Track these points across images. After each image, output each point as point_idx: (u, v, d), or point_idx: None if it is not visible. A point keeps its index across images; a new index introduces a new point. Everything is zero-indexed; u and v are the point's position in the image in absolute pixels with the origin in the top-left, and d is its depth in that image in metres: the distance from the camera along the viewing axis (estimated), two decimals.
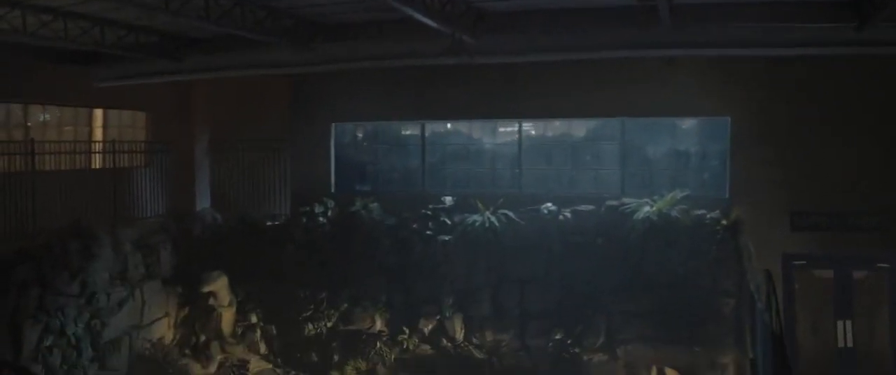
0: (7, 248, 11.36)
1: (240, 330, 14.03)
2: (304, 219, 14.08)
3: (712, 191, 13.15)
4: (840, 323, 12.51)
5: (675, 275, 12.24)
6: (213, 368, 13.40)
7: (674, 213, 12.39)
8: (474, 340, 13.00)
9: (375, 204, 13.84)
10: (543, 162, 14.48)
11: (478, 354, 12.79)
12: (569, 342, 12.46)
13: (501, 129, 14.85)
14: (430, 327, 13.23)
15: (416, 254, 13.41)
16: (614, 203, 12.86)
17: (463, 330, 13.10)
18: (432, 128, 15.20)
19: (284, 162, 15.52)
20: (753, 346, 10.99)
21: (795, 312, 12.80)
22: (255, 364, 13.49)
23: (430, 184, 14.87)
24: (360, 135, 15.95)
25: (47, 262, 11.45)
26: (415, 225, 13.56)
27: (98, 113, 15.79)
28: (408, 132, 15.44)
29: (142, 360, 12.90)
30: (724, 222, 12.33)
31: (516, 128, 14.61)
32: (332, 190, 15.01)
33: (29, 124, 14.28)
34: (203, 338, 13.78)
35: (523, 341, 12.85)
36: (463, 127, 15.16)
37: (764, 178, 12.64)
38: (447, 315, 13.11)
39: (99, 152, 14.85)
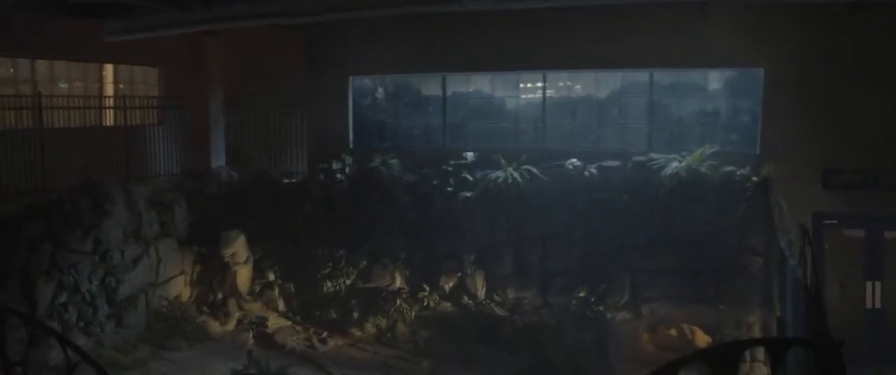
0: (16, 205, 11.22)
1: (257, 288, 14.05)
2: (322, 176, 13.86)
3: (743, 147, 12.77)
4: (869, 284, 12.24)
5: (702, 233, 11.99)
6: (231, 325, 13.44)
7: (703, 169, 12.07)
8: (496, 297, 12.90)
9: (395, 160, 13.58)
10: (568, 116, 14.12)
11: (499, 312, 12.68)
12: (592, 300, 12.32)
13: (525, 85, 14.47)
14: (450, 284, 13.15)
15: (437, 211, 13.21)
16: (641, 158, 12.53)
17: (484, 288, 13.01)
18: (454, 87, 14.80)
19: (301, 118, 15.23)
20: (781, 305, 10.76)
21: (824, 272, 12.53)
22: (274, 321, 13.49)
23: (451, 139, 14.54)
24: (379, 95, 15.58)
25: (58, 219, 11.38)
26: (435, 182, 13.32)
27: (109, 69, 15.54)
28: (429, 93, 15.04)
29: (159, 317, 12.96)
30: (754, 179, 12.02)
31: (540, 83, 14.23)
32: (351, 146, 14.69)
33: (36, 79, 14.02)
34: (220, 296, 13.81)
35: (546, 299, 12.74)
36: (485, 84, 14.76)
37: (797, 134, 12.22)
38: (468, 272, 13.01)
39: (110, 108, 14.62)
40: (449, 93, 14.78)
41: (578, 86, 14.37)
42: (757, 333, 11.91)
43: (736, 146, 12.82)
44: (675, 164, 12.15)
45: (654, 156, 12.49)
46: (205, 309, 13.74)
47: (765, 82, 12.57)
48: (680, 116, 13.46)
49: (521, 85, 14.53)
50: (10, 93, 12.83)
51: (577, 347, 11.85)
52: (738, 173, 12.17)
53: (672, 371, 2.53)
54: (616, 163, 12.68)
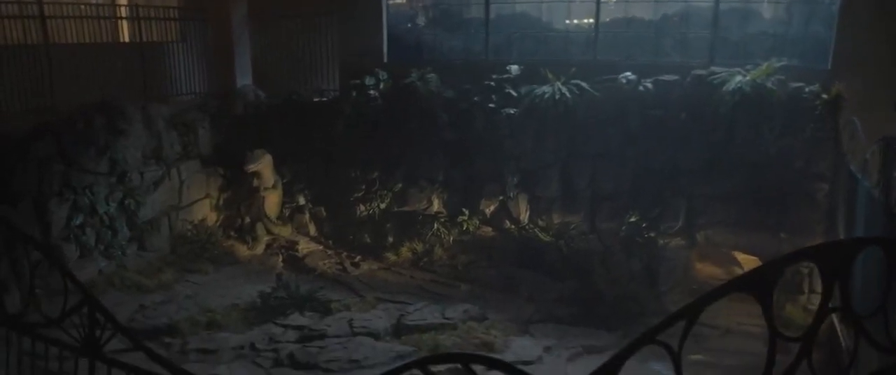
0: (24, 123, 10.69)
1: (287, 212, 13.64)
2: (354, 93, 13.17)
3: (814, 62, 11.86)
4: None
5: (764, 155, 11.33)
6: (259, 249, 13.11)
7: (769, 85, 11.23)
8: (540, 222, 12.39)
9: (433, 75, 12.79)
10: (623, 25, 13.21)
11: (543, 237, 12.16)
12: (643, 225, 11.80)
13: None
14: (491, 208, 12.66)
15: (478, 129, 12.57)
16: (702, 72, 11.69)
17: (528, 212, 12.51)
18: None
19: (331, 32, 14.42)
20: (848, 234, 10.06)
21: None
22: (304, 245, 13.14)
23: (493, 51, 13.68)
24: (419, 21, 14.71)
25: (70, 138, 10.94)
26: (476, 98, 12.60)
27: None
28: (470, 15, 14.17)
29: (183, 241, 12.69)
30: (824, 96, 11.16)
31: None
32: (385, 60, 13.91)
33: None
34: (248, 220, 13.41)
35: (593, 223, 12.24)
36: None
37: (874, 49, 11.29)
38: (511, 195, 12.48)
39: (124, 18, 13.91)
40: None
41: None
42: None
43: (806, 60, 11.92)
44: (738, 79, 11.31)
45: (716, 69, 11.65)
46: (232, 233, 13.48)
47: None
48: (746, 26, 12.54)
49: None
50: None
51: (625, 275, 11.38)
52: (807, 90, 11.33)
53: (723, 294, 2.27)
54: (674, 77, 11.86)
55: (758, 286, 2.31)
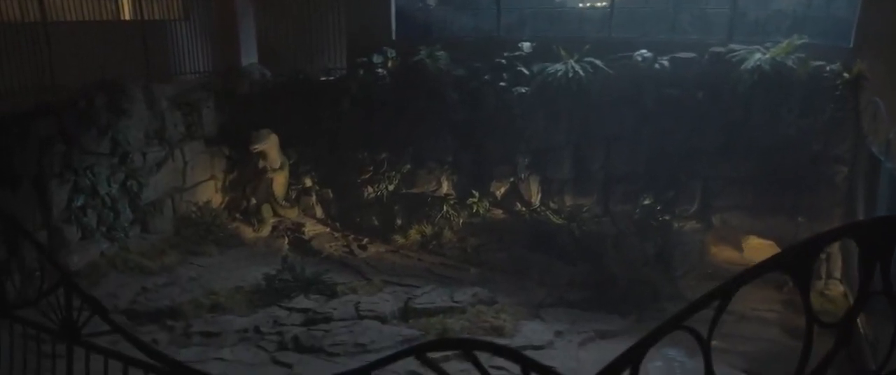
0: (24, 102, 10.53)
1: (294, 194, 13.48)
2: (361, 72, 12.93)
3: (835, 40, 11.51)
4: None
5: (782, 136, 11.10)
6: (265, 232, 12.96)
7: (789, 63, 10.91)
8: (552, 204, 12.19)
9: (442, 53, 12.51)
10: (640, 0, 12.88)
11: (555, 220, 11.96)
12: (658, 208, 11.61)
13: None
14: (502, 190, 12.46)
15: (489, 109, 12.31)
16: (720, 50, 11.41)
17: (539, 194, 12.30)
18: None
19: (338, 8, 14.16)
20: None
21: None
22: (311, 227, 13.00)
23: (505, 28, 13.39)
24: None
25: (71, 118, 10.77)
26: (487, 76, 12.33)
27: None
28: None
29: (188, 223, 12.55)
30: (845, 75, 10.83)
31: None
32: (393, 37, 13.64)
33: None
34: (254, 202, 13.27)
35: (607, 206, 12.05)
36: None
37: None
38: (522, 176, 12.27)
39: None
40: None
41: None
42: (836, 250, 11.07)
43: (828, 38, 11.58)
44: (758, 57, 11.02)
45: (734, 47, 11.36)
46: (237, 214, 13.33)
47: None
48: (766, 2, 12.27)
49: None
50: None
51: (638, 258, 11.24)
52: (828, 69, 11.02)
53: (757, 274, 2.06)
54: (691, 54, 11.59)
55: (795, 265, 2.08)
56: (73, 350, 2.80)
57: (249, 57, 14.67)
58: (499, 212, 12.41)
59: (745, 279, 2.00)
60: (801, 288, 2.10)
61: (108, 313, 2.77)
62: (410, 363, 8.64)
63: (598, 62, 11.63)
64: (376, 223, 12.73)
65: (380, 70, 12.85)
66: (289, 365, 8.51)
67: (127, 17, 13.72)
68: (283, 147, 13.34)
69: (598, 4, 13.46)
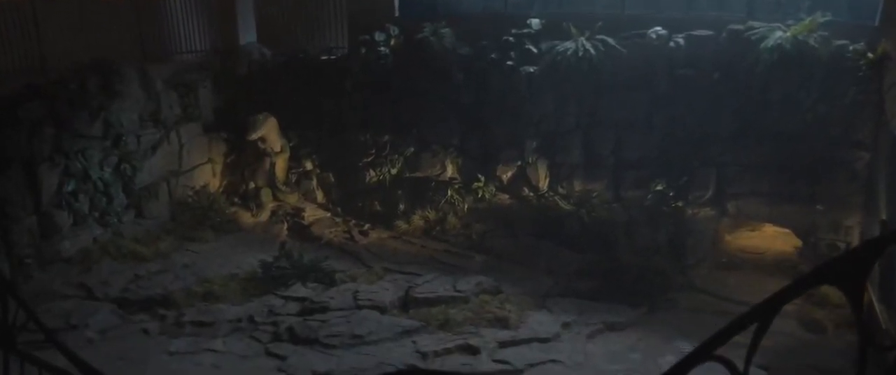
0: (12, 85, 10.26)
1: (294, 178, 13.19)
2: (364, 50, 12.58)
3: (860, 17, 11.04)
4: None
5: (801, 121, 10.71)
6: (264, 217, 12.73)
7: (811, 42, 10.47)
8: (560, 190, 11.87)
9: (447, 30, 12.14)
10: None
11: (564, 206, 11.63)
12: (671, 194, 11.24)
13: None
14: (509, 174, 12.16)
15: (495, 90, 11.97)
16: (739, 27, 10.96)
17: (547, 179, 11.99)
18: None
19: None
20: (889, 208, 9.40)
21: None
22: (311, 212, 12.74)
23: (513, 3, 12.94)
24: None
25: (62, 100, 10.52)
26: (494, 55, 11.94)
27: None
28: None
29: (184, 208, 12.30)
30: (869, 55, 10.38)
31: None
32: (397, 14, 13.25)
33: None
34: (253, 186, 13.00)
35: (617, 192, 11.73)
36: None
37: None
38: (530, 161, 11.96)
39: None
40: None
41: None
42: (855, 238, 10.72)
43: (853, 15, 11.11)
44: (778, 34, 10.58)
45: (754, 24, 10.90)
46: (235, 199, 13.06)
47: None
48: None
49: None
50: None
51: (649, 246, 10.89)
52: (851, 48, 10.57)
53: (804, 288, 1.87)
54: (708, 32, 11.16)
55: (847, 276, 1.72)
56: (8, 360, 2.50)
57: (248, 35, 14.37)
58: (505, 198, 12.12)
59: (787, 296, 1.64)
60: (854, 303, 1.74)
61: (39, 319, 2.46)
62: (408, 354, 8.38)
63: (610, 40, 11.24)
64: (378, 208, 12.45)
65: (382, 49, 12.49)
66: (282, 357, 8.28)
67: None
68: (283, 129, 13.04)
69: None
